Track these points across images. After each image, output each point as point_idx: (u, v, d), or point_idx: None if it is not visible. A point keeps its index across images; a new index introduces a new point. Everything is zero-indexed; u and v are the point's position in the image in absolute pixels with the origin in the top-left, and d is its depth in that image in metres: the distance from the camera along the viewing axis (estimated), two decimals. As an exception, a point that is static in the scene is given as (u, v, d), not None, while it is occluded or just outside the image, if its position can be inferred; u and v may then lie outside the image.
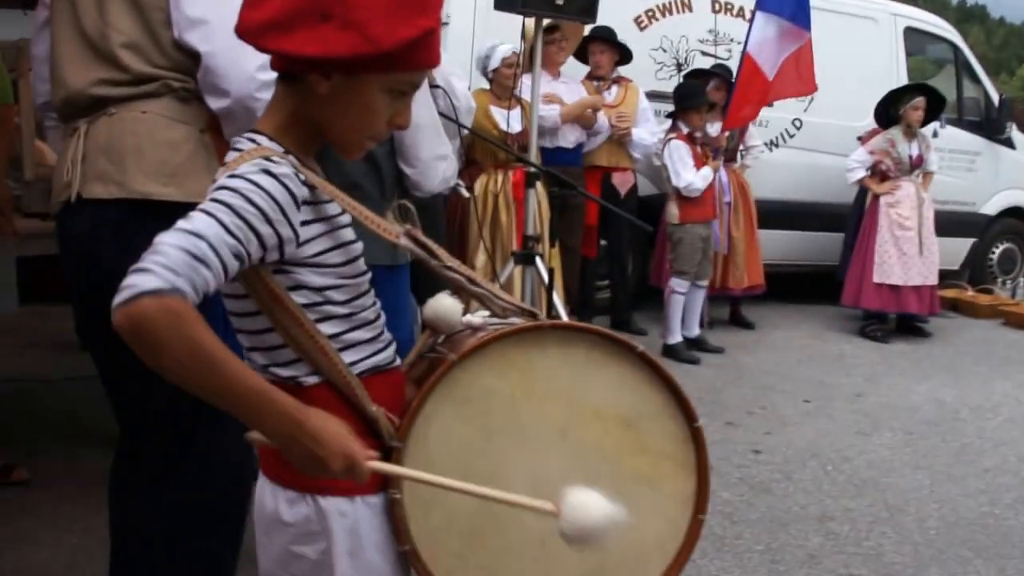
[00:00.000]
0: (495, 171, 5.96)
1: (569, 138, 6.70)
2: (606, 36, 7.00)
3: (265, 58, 1.57)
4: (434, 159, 2.91)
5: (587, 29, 6.69)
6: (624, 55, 7.14)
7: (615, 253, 7.38)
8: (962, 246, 9.58)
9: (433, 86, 3.55)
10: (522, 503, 1.51)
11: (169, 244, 1.33)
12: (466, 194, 4.45)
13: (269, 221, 1.44)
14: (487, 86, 6.12)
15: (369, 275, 1.68)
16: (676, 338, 6.90)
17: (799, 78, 7.10)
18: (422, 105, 2.92)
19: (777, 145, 8.42)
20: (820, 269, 8.85)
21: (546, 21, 5.90)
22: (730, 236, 7.47)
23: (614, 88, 7.13)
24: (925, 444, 5.19)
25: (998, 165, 9.68)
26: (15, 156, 4.41)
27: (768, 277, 7.81)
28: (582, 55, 7.11)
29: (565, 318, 5.13)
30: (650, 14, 7.84)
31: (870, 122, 8.19)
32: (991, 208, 9.78)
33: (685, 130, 6.92)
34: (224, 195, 1.43)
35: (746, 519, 4.00)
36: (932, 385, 6.45)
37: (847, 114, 8.54)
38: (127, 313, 1.27)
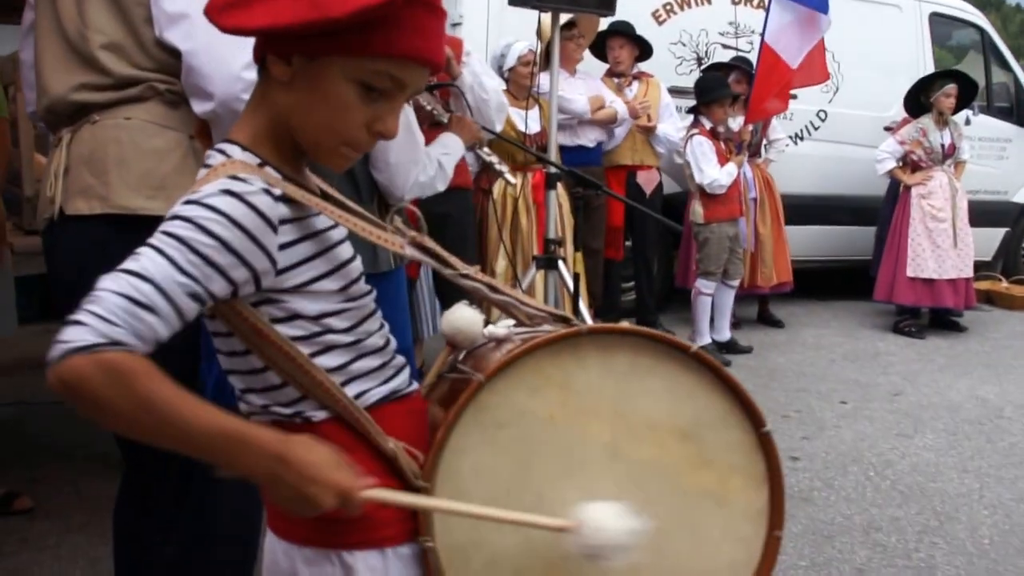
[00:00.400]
0: (513, 173, 5.75)
1: (590, 136, 6.50)
2: (625, 30, 6.80)
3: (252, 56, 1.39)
4: (405, 163, 2.73)
5: (604, 24, 6.51)
6: (644, 50, 6.94)
7: (640, 254, 7.17)
8: (994, 236, 9.34)
9: (437, 87, 3.38)
10: (537, 523, 1.38)
11: (108, 290, 1.20)
12: (511, 180, 4.25)
13: (234, 252, 1.27)
14: (504, 86, 5.93)
15: (373, 294, 1.50)
16: (705, 340, 6.70)
17: (812, 66, 6.90)
18: None
19: (802, 138, 8.20)
20: (850, 264, 8.63)
21: (564, 17, 5.76)
22: (757, 233, 7.27)
23: (635, 84, 6.94)
24: (970, 445, 4.97)
25: (1030, 152, 9.42)
26: (15, 171, 4.26)
27: (796, 274, 7.60)
28: (599, 51, 6.92)
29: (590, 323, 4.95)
30: (668, 7, 7.64)
31: (897, 111, 8.00)
32: (1023, 196, 9.52)
33: (707, 125, 6.72)
34: (176, 226, 1.26)
35: (788, 532, 3.76)
36: (972, 382, 6.22)
37: (873, 104, 8.33)
38: (59, 374, 1.16)
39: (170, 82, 2.08)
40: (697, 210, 6.74)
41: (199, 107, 2.02)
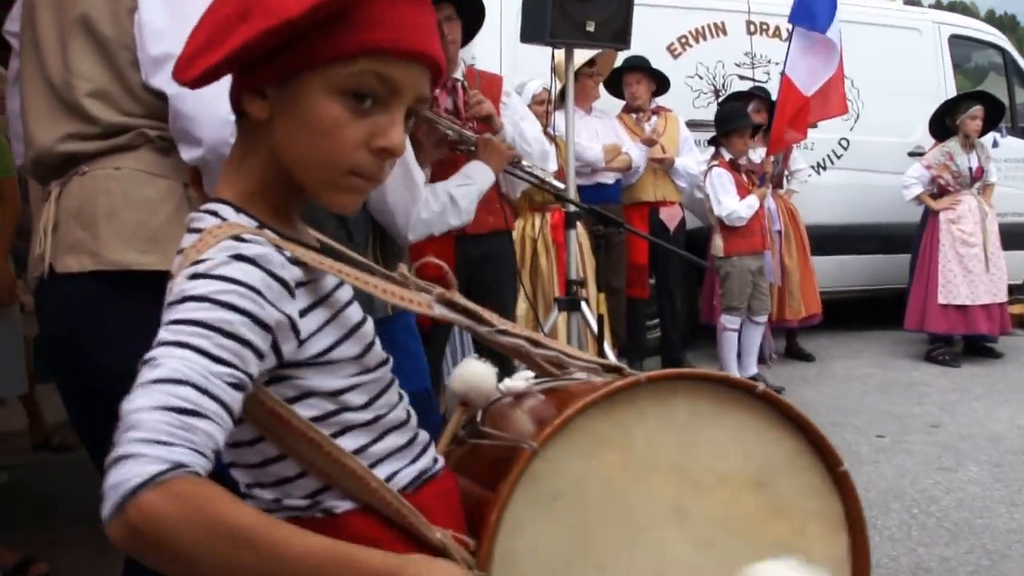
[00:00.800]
0: (531, 214, 5.60)
1: (608, 174, 6.40)
2: (641, 65, 6.72)
3: None
4: (404, 202, 2.66)
5: (619, 60, 6.44)
6: (661, 84, 6.85)
7: (664, 291, 7.02)
8: (1024, 259, 9.13)
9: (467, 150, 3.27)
10: None
11: (143, 408, 1.01)
12: (561, 185, 4.11)
13: (262, 324, 1.12)
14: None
15: (390, 363, 1.36)
16: (733, 377, 6.52)
17: (833, 99, 6.79)
18: None
19: (824, 167, 8.05)
20: (880, 293, 8.45)
21: (584, 55, 5.69)
22: (783, 265, 7.12)
23: (653, 119, 6.83)
24: (1016, 477, 4.78)
25: (1056, 172, 9.23)
26: (25, 228, 4.20)
27: (824, 305, 7.43)
28: (614, 88, 6.84)
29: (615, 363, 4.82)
30: (683, 40, 7.56)
31: (920, 136, 7.89)
32: (1053, 217, 9.31)
33: (727, 157, 6.60)
34: (192, 310, 1.09)
35: (832, 578, 3.62)
36: (1013, 410, 6.03)
37: (896, 130, 8.19)
38: (127, 522, 0.96)
39: (161, 128, 1.97)
40: (717, 243, 6.62)
41: (187, 154, 1.91)
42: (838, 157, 8.13)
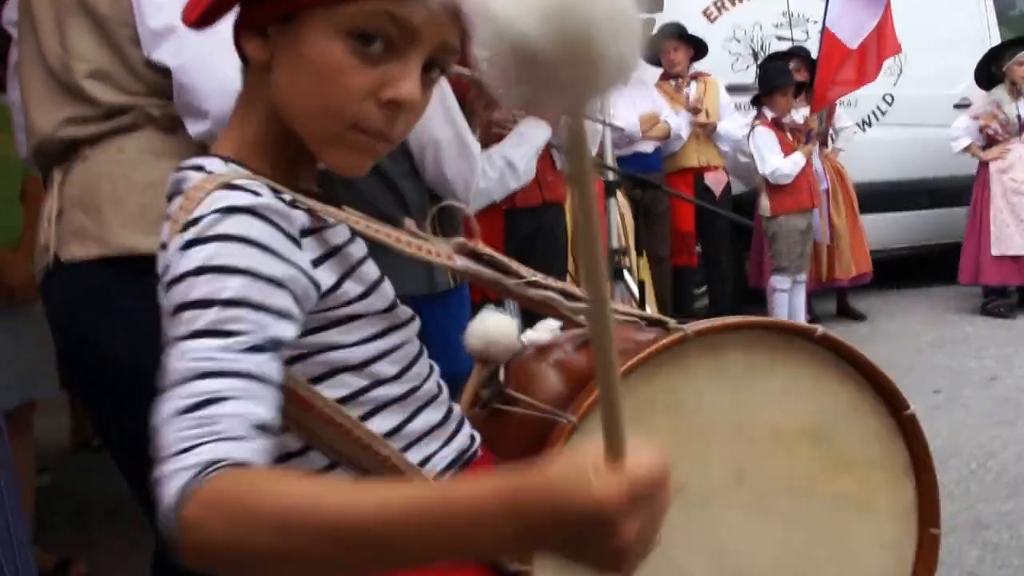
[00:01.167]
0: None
1: (647, 143, 6.37)
2: (678, 32, 6.65)
3: None
4: (463, 174, 2.62)
5: (655, 28, 6.38)
6: (699, 49, 6.79)
7: (712, 258, 6.97)
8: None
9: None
10: None
11: (160, 423, 0.91)
12: (621, 124, 4.00)
13: (270, 280, 0.99)
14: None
15: (417, 324, 1.25)
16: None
17: (884, 43, 6.65)
18: (439, 120, 2.70)
19: (869, 124, 7.95)
20: (930, 250, 8.33)
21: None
22: (832, 224, 7.05)
23: (692, 85, 6.78)
24: (1077, 428, 4.71)
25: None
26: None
27: (874, 264, 7.35)
28: (651, 57, 6.79)
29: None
30: (719, 5, 7.47)
31: (966, 87, 7.76)
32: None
33: (770, 116, 6.55)
34: (189, 289, 0.97)
35: (890, 536, 3.60)
36: (1071, 360, 5.93)
37: (941, 82, 8.06)
38: (186, 547, 0.85)
39: (165, 106, 1.88)
40: (764, 203, 6.58)
41: (194, 128, 1.83)
42: (883, 113, 8.02)
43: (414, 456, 1.16)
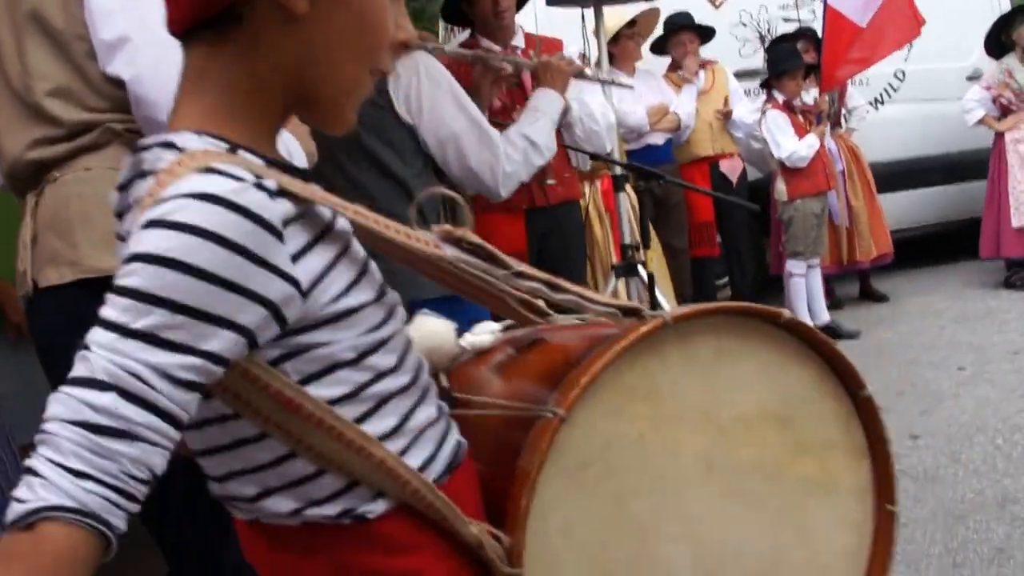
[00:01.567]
0: (581, 183, 5.59)
1: (656, 135, 6.32)
2: (687, 23, 6.63)
3: None
4: (487, 162, 2.68)
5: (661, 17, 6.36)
6: (705, 36, 6.74)
7: (731, 246, 6.93)
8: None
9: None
10: None
11: (56, 418, 0.87)
12: (630, 83, 4.14)
13: (235, 287, 0.92)
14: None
15: (404, 313, 1.20)
16: (807, 325, 6.43)
17: (901, 23, 6.55)
18: (452, 112, 2.68)
19: (882, 102, 7.86)
20: (951, 226, 8.23)
21: (621, 18, 5.61)
22: (849, 206, 6.99)
23: (701, 73, 6.74)
24: (1104, 398, 4.66)
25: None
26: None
27: (895, 244, 7.29)
28: (657, 48, 6.76)
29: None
30: (724, -10, 7.44)
31: (978, 58, 7.64)
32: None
33: (781, 99, 6.50)
34: (136, 275, 0.90)
35: (915, 517, 3.56)
36: (1096, 330, 5.86)
37: (952, 55, 7.92)
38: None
39: (128, 120, 1.87)
40: (780, 188, 6.53)
41: None
42: (895, 90, 7.93)
43: (414, 459, 1.12)
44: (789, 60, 6.49)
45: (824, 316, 6.61)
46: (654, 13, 6.17)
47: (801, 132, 6.44)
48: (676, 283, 5.86)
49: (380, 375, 1.09)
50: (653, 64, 6.72)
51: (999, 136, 7.14)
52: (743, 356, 1.32)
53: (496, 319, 1.53)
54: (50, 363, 1.95)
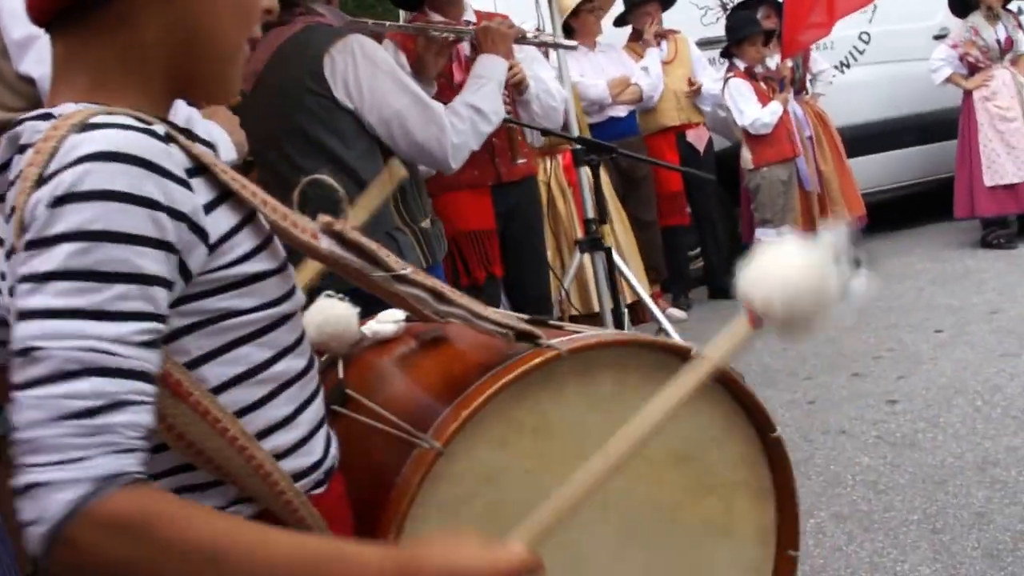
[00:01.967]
0: (541, 159, 5.45)
1: (619, 107, 6.21)
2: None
3: None
4: (433, 134, 2.68)
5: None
6: (666, 2, 6.65)
7: (703, 217, 6.88)
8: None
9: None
10: None
11: (35, 424, 0.84)
12: (572, 44, 4.20)
13: (160, 243, 0.91)
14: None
15: (301, 296, 1.16)
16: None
17: None
18: (393, 90, 2.67)
19: (848, 65, 7.76)
20: (925, 187, 8.15)
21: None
22: (819, 172, 6.89)
23: (663, 44, 6.64)
24: (1083, 354, 4.57)
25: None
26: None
27: (868, 207, 7.20)
28: (621, 20, 6.66)
29: (648, 300, 4.68)
30: (684, -42, 7.31)
31: (943, 17, 7.55)
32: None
33: (742, 67, 6.42)
34: (68, 257, 0.87)
35: (894, 484, 3.46)
36: (1074, 286, 5.78)
37: (917, 15, 7.85)
38: (64, 564, 0.83)
39: None
40: (746, 156, 6.48)
41: None
42: (860, 53, 7.83)
43: (303, 459, 1.10)
44: (747, 27, 6.43)
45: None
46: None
47: (764, 99, 6.37)
48: (646, 256, 5.75)
49: (281, 353, 1.07)
50: (613, 36, 6.60)
51: (967, 94, 7.06)
52: (647, 392, 1.21)
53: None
54: None
